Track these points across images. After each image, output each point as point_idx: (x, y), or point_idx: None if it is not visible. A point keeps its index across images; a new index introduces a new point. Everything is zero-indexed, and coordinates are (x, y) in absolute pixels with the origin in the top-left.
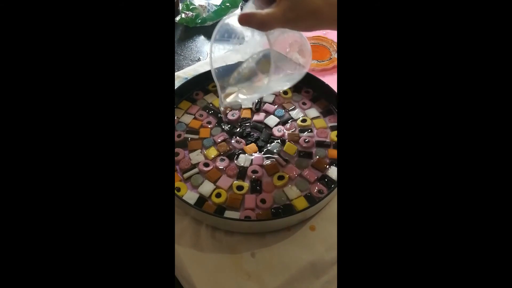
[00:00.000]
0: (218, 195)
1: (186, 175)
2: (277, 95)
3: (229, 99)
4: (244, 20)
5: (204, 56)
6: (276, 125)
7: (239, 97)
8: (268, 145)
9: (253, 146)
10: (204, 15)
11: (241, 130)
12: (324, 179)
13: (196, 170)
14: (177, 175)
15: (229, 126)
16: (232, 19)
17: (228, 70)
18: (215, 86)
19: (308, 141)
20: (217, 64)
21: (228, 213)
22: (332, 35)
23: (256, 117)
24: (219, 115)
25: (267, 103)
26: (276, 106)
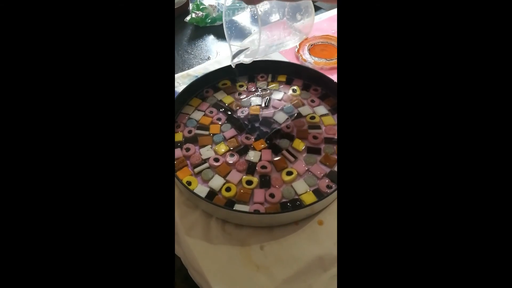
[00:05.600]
0: (228, 189)
1: (197, 169)
2: (285, 92)
3: (235, 60)
4: None
5: (213, 55)
6: (284, 121)
7: (242, 58)
8: (277, 141)
9: (262, 142)
10: (214, 15)
11: (250, 126)
12: (332, 175)
13: (206, 165)
14: (188, 170)
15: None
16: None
17: (239, 32)
18: (224, 84)
19: (316, 138)
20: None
21: (238, 207)
22: None
23: (265, 113)
24: (228, 112)
25: (276, 100)
26: (284, 103)
